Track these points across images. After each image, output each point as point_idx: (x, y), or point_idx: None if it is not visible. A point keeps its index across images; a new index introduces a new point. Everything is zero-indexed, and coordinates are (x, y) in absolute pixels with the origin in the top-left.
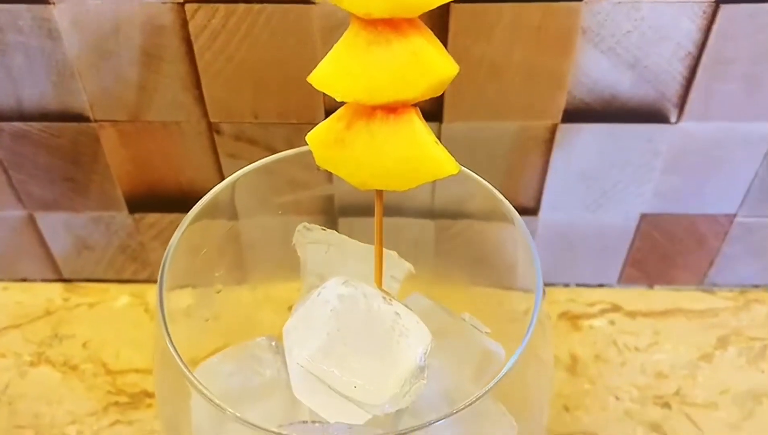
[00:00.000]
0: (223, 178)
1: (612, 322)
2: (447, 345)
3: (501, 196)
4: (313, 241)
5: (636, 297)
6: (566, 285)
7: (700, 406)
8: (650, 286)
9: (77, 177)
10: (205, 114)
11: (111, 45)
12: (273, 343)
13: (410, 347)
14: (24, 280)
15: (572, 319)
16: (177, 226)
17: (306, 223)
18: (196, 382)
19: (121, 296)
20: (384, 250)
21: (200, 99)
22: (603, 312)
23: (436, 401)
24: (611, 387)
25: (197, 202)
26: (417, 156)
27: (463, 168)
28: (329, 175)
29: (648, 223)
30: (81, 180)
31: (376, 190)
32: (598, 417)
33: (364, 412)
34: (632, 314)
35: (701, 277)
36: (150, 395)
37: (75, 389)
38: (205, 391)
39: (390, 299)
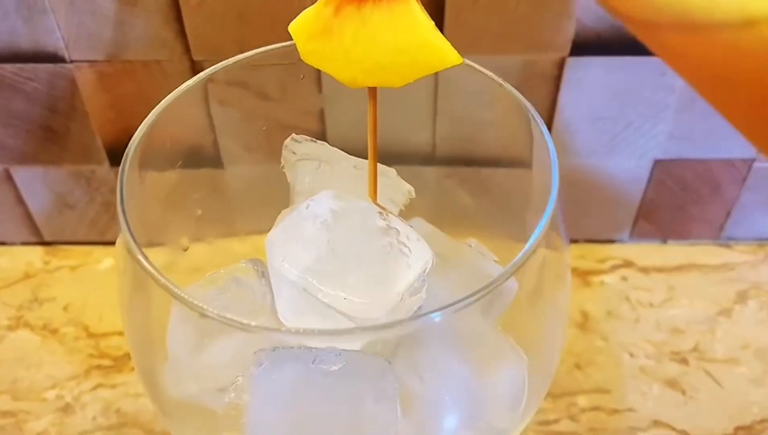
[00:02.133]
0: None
1: (624, 278)
2: (451, 271)
3: (518, 94)
4: (303, 156)
5: (649, 252)
6: (575, 241)
7: (720, 361)
8: (663, 240)
9: (54, 125)
10: (188, 50)
11: None
12: (257, 267)
13: (409, 265)
14: (2, 243)
15: (582, 275)
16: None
17: (295, 135)
18: (171, 286)
19: (104, 259)
20: (381, 166)
21: (182, 33)
22: (614, 268)
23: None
24: (625, 344)
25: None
26: (415, 44)
27: (465, 60)
28: (318, 86)
29: (661, 170)
30: (59, 129)
31: (369, 89)
32: (611, 374)
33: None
34: (645, 270)
35: (717, 230)
36: None
37: (55, 353)
38: (177, 291)
39: (387, 214)
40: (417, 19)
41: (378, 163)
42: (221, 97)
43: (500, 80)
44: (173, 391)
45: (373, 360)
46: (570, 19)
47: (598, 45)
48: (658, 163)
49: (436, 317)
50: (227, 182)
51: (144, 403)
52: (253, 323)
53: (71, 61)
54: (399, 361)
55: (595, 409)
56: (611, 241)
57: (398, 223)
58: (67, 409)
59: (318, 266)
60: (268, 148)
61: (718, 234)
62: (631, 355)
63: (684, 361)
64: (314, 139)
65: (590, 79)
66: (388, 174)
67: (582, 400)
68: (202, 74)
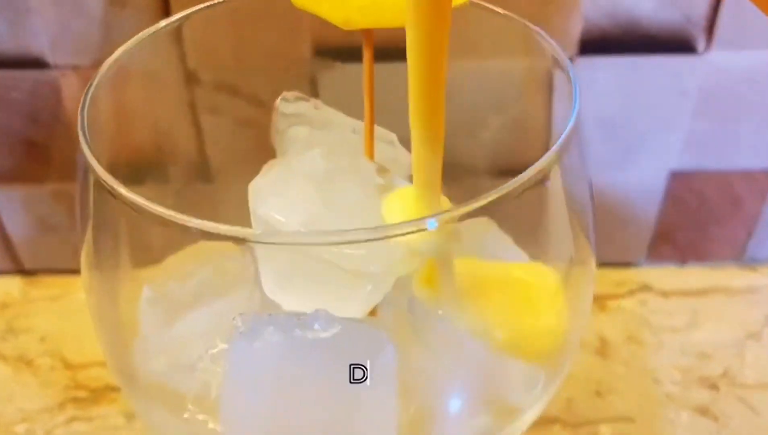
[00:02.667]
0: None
1: (643, 302)
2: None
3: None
4: (295, 118)
5: (667, 276)
6: None
7: (753, 387)
8: (682, 263)
9: (37, 139)
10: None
11: None
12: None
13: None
14: None
15: (598, 299)
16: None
17: (286, 93)
18: (136, 199)
19: None
20: (380, 129)
21: None
22: (632, 292)
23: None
24: (648, 370)
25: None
26: None
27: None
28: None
29: (678, 183)
30: (41, 142)
31: (364, 33)
32: (635, 401)
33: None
34: (665, 293)
35: (738, 250)
36: (115, 389)
37: (28, 385)
38: (144, 203)
39: (385, 171)
40: None
41: (377, 127)
42: (210, 105)
43: (511, 14)
44: (141, 368)
45: (370, 329)
46: (577, 15)
47: (606, 44)
48: (674, 176)
49: (432, 224)
50: (215, 193)
51: None
52: (228, 227)
53: (56, 67)
54: (402, 333)
55: None
56: (627, 265)
57: (399, 181)
58: None
59: (311, 221)
60: (260, 156)
61: (739, 254)
62: (656, 381)
63: (714, 387)
64: (306, 97)
65: (599, 82)
66: (388, 139)
67: (605, 429)
68: (173, 18)
